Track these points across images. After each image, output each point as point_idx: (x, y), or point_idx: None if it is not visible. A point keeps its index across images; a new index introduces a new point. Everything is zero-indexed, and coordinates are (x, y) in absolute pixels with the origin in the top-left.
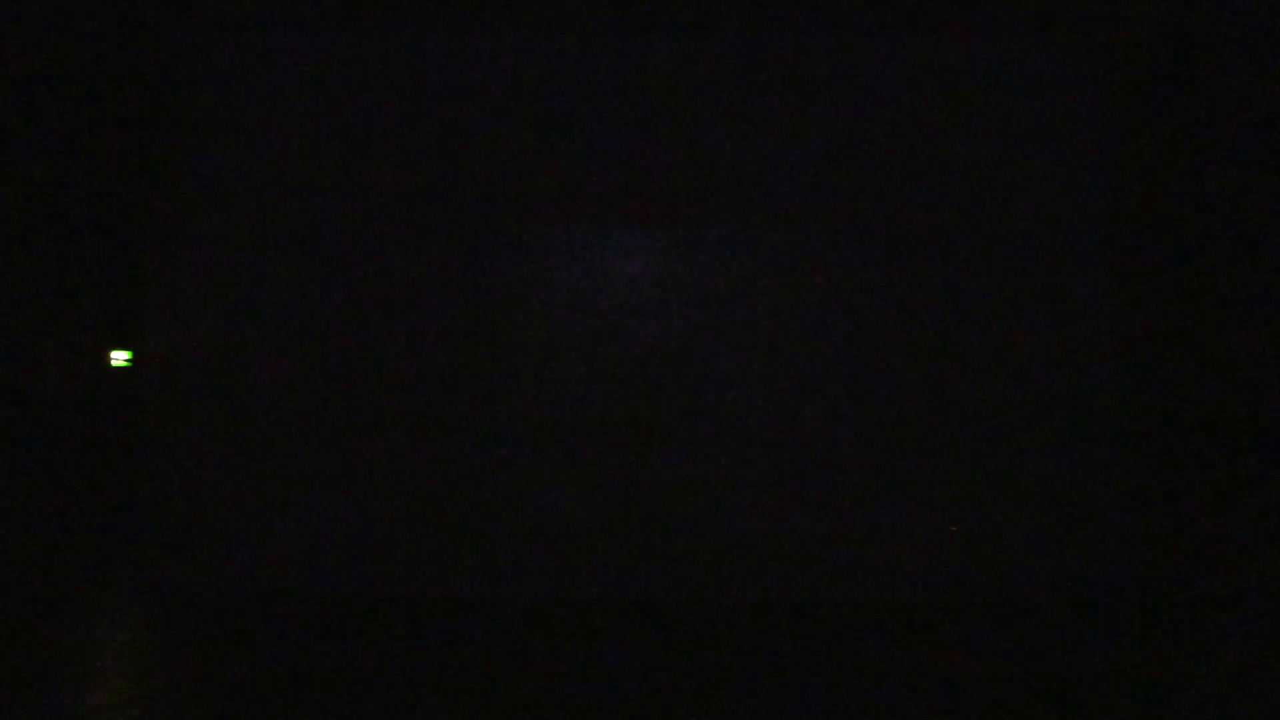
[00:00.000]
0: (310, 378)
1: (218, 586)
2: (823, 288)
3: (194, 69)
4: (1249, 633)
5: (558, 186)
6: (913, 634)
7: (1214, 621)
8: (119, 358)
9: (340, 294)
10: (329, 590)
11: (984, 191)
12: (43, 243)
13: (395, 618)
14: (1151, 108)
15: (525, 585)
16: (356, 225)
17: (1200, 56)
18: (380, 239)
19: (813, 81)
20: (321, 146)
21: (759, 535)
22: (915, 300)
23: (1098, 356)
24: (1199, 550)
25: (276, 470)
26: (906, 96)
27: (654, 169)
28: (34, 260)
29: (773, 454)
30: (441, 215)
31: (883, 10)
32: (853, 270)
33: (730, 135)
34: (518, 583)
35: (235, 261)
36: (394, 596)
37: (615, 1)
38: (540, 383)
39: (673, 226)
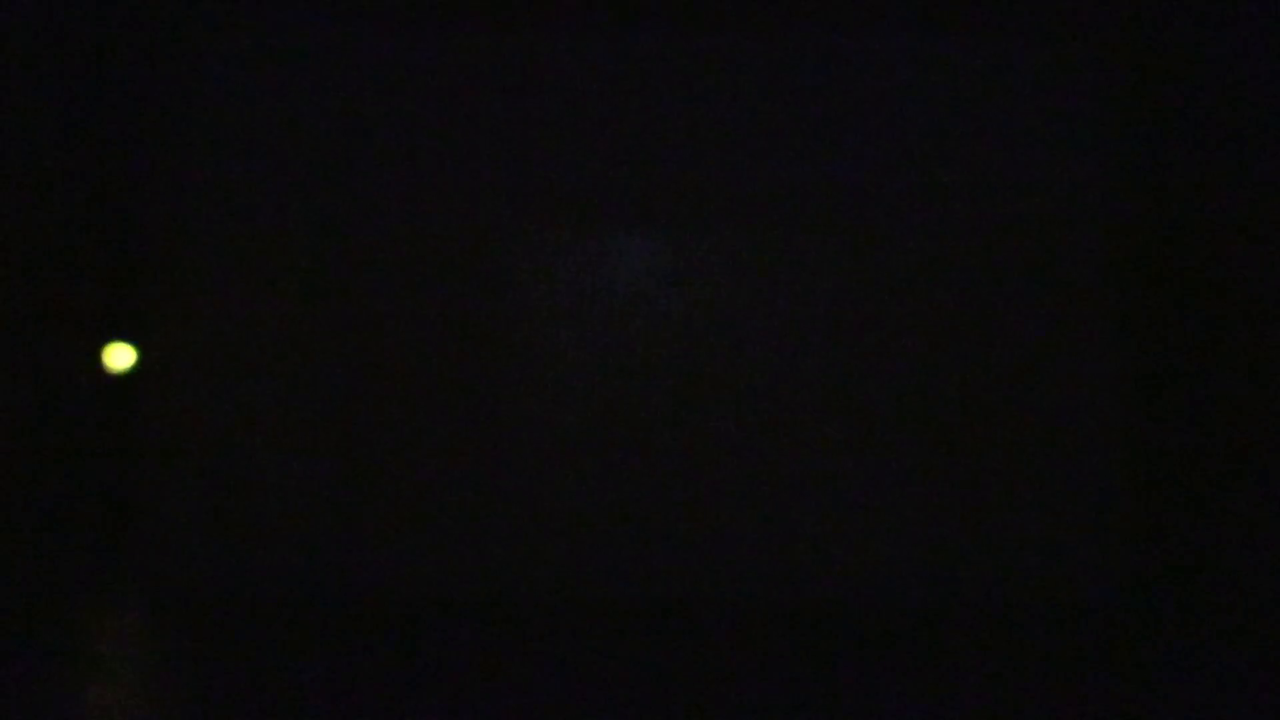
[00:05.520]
0: (309, 377)
1: (218, 586)
2: (822, 288)
3: (193, 68)
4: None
5: (558, 187)
6: (910, 635)
7: (1211, 624)
8: (123, 361)
9: (339, 293)
10: (329, 590)
11: (983, 191)
12: (42, 242)
13: (395, 618)
14: (1152, 107)
15: (525, 585)
16: (356, 225)
17: (1201, 55)
18: (380, 238)
19: (813, 81)
20: (321, 145)
21: (758, 535)
22: (915, 300)
23: (1097, 358)
24: (1196, 552)
25: (277, 470)
26: (907, 96)
27: (654, 169)
28: (33, 260)
29: (772, 454)
30: (441, 215)
31: (883, 10)
32: (852, 270)
33: (730, 135)
34: (518, 583)
35: (235, 261)
36: (394, 596)
37: (616, 1)
38: (540, 383)
39: (673, 227)
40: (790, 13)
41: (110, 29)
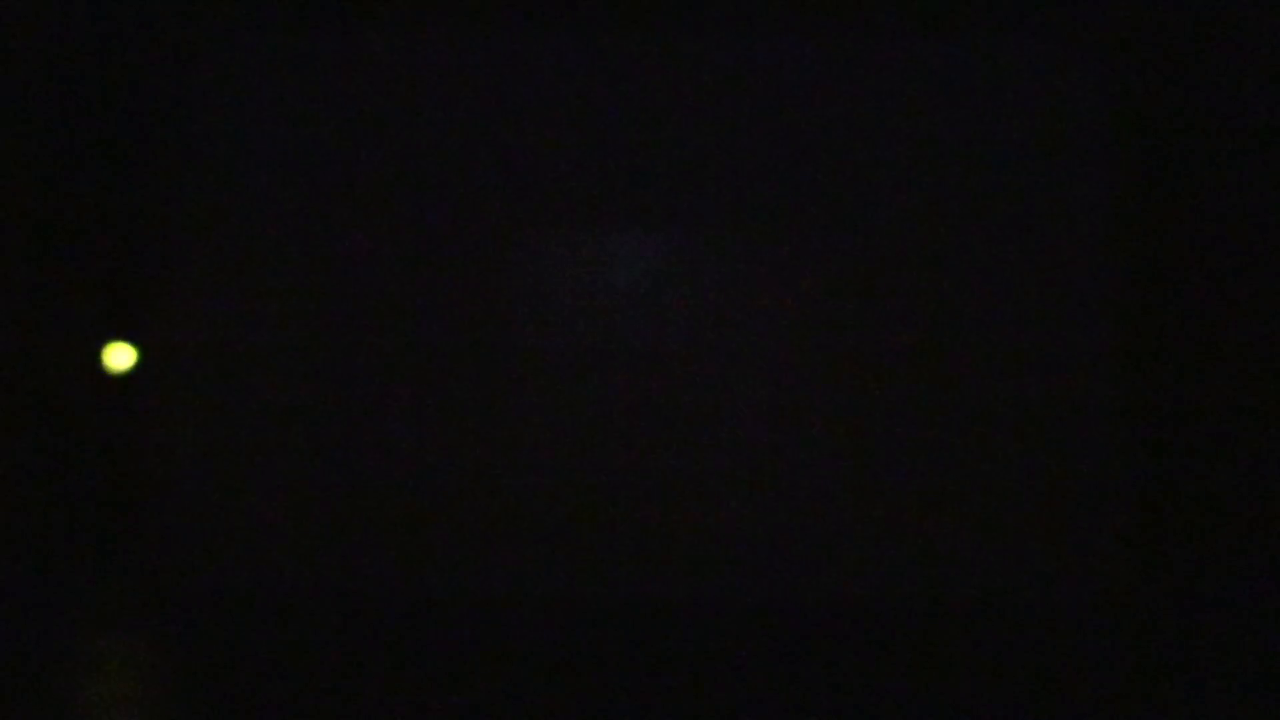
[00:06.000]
0: (309, 377)
1: (218, 586)
2: (821, 288)
3: (193, 67)
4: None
5: (558, 186)
6: (910, 634)
7: (1211, 623)
8: (122, 360)
9: (339, 294)
10: (329, 590)
11: (983, 192)
12: (41, 242)
13: (395, 618)
14: (1153, 107)
15: (525, 585)
16: (355, 225)
17: (1202, 55)
18: (379, 240)
19: (813, 82)
20: (320, 146)
21: (758, 534)
22: (914, 300)
23: (1097, 357)
24: (1197, 551)
25: (277, 469)
26: (907, 97)
27: (654, 169)
28: (33, 260)
29: (771, 454)
30: (440, 216)
31: (883, 10)
32: (851, 271)
33: (730, 135)
34: (518, 583)
35: (235, 261)
36: (394, 596)
37: (615, 1)
38: (540, 384)
39: (673, 228)
40: (791, 12)
41: (110, 29)
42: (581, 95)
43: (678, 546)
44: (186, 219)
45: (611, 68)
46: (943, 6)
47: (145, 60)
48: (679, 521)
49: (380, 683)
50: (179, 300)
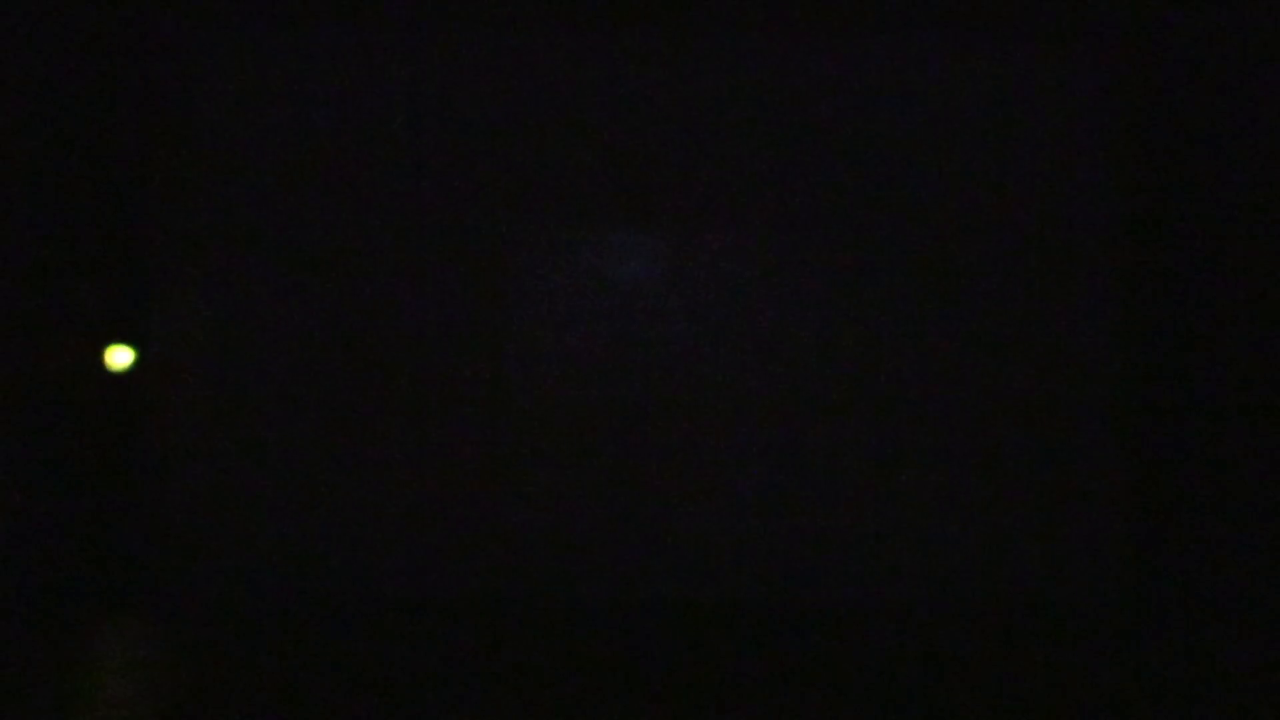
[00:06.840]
0: (310, 379)
1: (218, 586)
2: (822, 290)
3: (193, 67)
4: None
5: (558, 186)
6: (910, 636)
7: (1211, 624)
8: (122, 360)
9: (340, 295)
10: (330, 591)
11: (984, 195)
12: (42, 242)
13: (395, 618)
14: (1154, 110)
15: (525, 585)
16: (356, 225)
17: (1206, 57)
18: (380, 240)
19: (814, 83)
20: (320, 146)
21: (757, 535)
22: (915, 302)
23: (1098, 359)
24: (1197, 552)
25: (277, 471)
26: (909, 99)
27: (655, 170)
28: (34, 260)
29: (772, 455)
30: (442, 216)
31: (884, 12)
32: (851, 272)
33: (731, 137)
34: (518, 583)
35: (235, 262)
36: (394, 596)
37: (615, 2)
38: (540, 384)
39: (674, 228)
40: (792, 13)
41: (110, 29)
42: (582, 95)
43: (679, 547)
44: (187, 219)
45: (613, 67)
46: (945, 8)
47: (145, 60)
48: (680, 521)
49: (380, 683)
50: (179, 300)
